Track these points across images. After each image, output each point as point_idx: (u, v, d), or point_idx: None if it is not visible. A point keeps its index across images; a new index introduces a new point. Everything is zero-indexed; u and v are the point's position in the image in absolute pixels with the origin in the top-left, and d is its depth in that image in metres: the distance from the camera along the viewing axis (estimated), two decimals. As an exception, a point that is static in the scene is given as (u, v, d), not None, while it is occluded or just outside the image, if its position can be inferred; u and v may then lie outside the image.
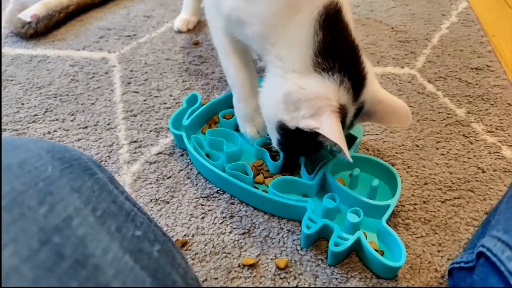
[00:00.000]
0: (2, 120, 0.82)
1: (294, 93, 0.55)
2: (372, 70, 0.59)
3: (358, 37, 0.57)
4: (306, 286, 0.55)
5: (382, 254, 0.57)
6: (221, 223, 0.63)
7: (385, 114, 0.60)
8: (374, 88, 0.59)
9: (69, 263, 0.27)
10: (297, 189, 0.66)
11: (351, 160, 0.54)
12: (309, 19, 0.54)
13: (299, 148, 0.62)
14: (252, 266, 0.58)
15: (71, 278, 0.27)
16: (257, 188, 0.64)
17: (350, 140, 0.71)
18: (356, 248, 0.58)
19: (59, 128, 0.80)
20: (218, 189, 0.68)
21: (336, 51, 0.55)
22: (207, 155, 0.71)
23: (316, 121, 0.54)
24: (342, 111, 0.55)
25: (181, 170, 0.72)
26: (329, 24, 0.54)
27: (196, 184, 0.69)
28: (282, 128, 0.58)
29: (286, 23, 0.56)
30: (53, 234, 0.28)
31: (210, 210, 0.65)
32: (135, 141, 0.77)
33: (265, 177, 0.69)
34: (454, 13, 1.15)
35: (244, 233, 0.62)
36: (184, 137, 0.71)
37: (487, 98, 0.86)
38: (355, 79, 0.55)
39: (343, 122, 0.56)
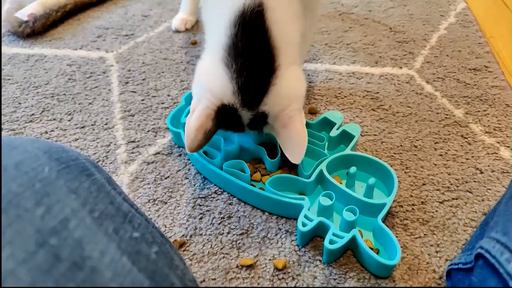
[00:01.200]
0: (-1, 120, 0.81)
1: (198, 75, 0.59)
2: (289, 88, 0.57)
3: (283, 47, 0.55)
4: (304, 286, 0.55)
5: (378, 253, 0.58)
6: (219, 224, 0.63)
7: (285, 142, 0.59)
8: (283, 108, 0.56)
9: (66, 265, 0.27)
10: (294, 187, 0.66)
11: (187, 149, 0.56)
12: (228, 12, 0.54)
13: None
14: (250, 266, 0.58)
15: (68, 280, 0.26)
16: (254, 186, 0.64)
17: (348, 138, 0.71)
18: (352, 247, 0.59)
19: (56, 128, 0.80)
20: (216, 189, 0.68)
21: (242, 51, 0.54)
22: (204, 152, 0.71)
23: (195, 107, 0.56)
24: (228, 112, 0.56)
25: (179, 170, 0.72)
26: (245, 23, 0.53)
27: (194, 184, 0.69)
28: None
29: (213, 10, 0.59)
30: (50, 236, 0.28)
31: (208, 211, 0.65)
32: (132, 141, 0.77)
33: (262, 175, 0.69)
34: (452, 14, 1.16)
35: (242, 234, 0.62)
36: (182, 134, 0.71)
37: (485, 99, 0.86)
38: (252, 87, 0.55)
39: (238, 121, 0.58)
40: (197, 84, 0.58)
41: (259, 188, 0.64)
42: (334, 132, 0.71)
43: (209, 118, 0.56)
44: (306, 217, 0.59)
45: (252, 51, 0.54)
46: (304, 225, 0.57)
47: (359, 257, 0.58)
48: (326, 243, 0.55)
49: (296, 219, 0.63)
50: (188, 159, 0.73)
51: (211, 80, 0.56)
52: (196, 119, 0.56)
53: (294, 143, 0.58)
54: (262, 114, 0.57)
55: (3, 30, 1.07)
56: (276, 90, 0.55)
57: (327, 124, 0.74)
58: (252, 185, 0.65)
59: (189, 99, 0.78)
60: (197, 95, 0.58)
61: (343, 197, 0.63)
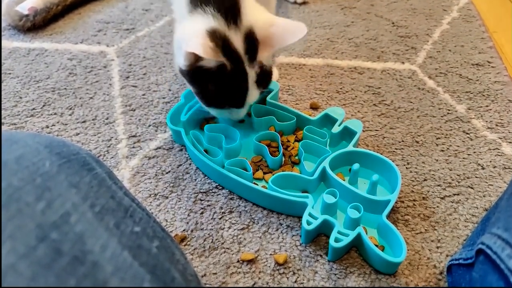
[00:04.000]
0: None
1: (180, 39, 0.60)
2: (255, 5, 0.62)
3: None
4: (305, 281, 0.55)
5: (383, 250, 0.57)
6: (220, 219, 0.63)
7: (281, 33, 0.61)
8: (262, 15, 0.62)
9: (67, 259, 0.27)
10: (296, 184, 0.66)
11: (219, 58, 0.57)
12: None
13: (217, 97, 0.64)
14: (251, 261, 0.58)
15: (69, 275, 0.26)
16: (257, 184, 0.64)
17: (350, 134, 0.71)
18: (357, 244, 0.58)
19: (57, 122, 0.80)
20: (217, 184, 0.68)
21: None
22: (205, 151, 0.71)
23: (188, 45, 0.56)
24: (217, 35, 0.58)
25: (180, 165, 0.71)
26: None
27: (195, 179, 0.69)
28: (184, 73, 0.63)
29: None
30: (50, 231, 0.28)
31: (209, 205, 0.65)
32: (133, 136, 0.77)
33: (264, 173, 0.69)
34: (455, 8, 1.15)
35: (243, 229, 0.62)
36: (183, 133, 0.71)
37: (487, 95, 0.86)
38: (225, 7, 0.59)
39: (229, 46, 0.58)
40: (181, 39, 0.60)
41: (262, 186, 0.64)
42: (336, 129, 0.71)
43: (206, 38, 0.57)
44: (310, 215, 0.58)
45: None
46: (308, 223, 0.57)
47: (364, 254, 0.57)
48: (331, 241, 0.55)
49: (298, 216, 0.63)
50: (189, 155, 0.73)
51: (190, 24, 0.60)
52: (198, 42, 0.56)
53: (290, 22, 0.61)
54: (250, 32, 0.60)
55: (3, 24, 1.06)
56: (247, 5, 0.60)
57: (329, 120, 0.74)
58: (254, 183, 0.65)
59: (188, 96, 0.78)
60: (184, 42, 0.58)
61: (346, 194, 0.63)
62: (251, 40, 0.60)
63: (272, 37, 0.61)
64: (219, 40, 0.57)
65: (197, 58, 0.58)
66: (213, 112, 0.69)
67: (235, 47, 0.59)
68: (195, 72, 0.61)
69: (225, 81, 0.61)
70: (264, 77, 0.64)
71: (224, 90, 0.62)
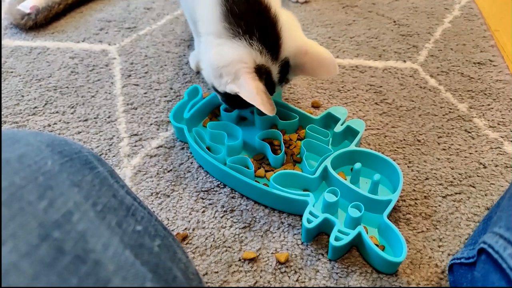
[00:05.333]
0: (2, 113, 0.81)
1: (215, 61, 0.58)
2: (290, 25, 0.60)
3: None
4: (307, 280, 0.55)
5: (383, 249, 0.57)
6: (221, 217, 0.63)
7: (313, 66, 0.61)
8: (297, 41, 0.60)
9: (69, 258, 0.27)
10: (298, 183, 0.66)
11: (271, 113, 0.57)
12: None
13: (242, 104, 0.63)
14: (252, 260, 0.58)
15: (71, 273, 0.26)
16: (258, 182, 0.64)
17: (352, 134, 0.71)
18: (357, 243, 0.58)
19: (59, 121, 0.80)
20: (218, 183, 0.68)
21: (240, 15, 0.56)
22: (208, 148, 0.71)
23: (236, 85, 0.57)
24: (263, 70, 0.58)
25: (182, 163, 0.72)
26: None
27: (197, 178, 0.69)
28: (215, 89, 0.64)
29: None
30: (53, 229, 0.28)
31: (210, 204, 0.65)
32: (135, 134, 0.77)
33: (266, 171, 0.69)
34: (457, 7, 1.15)
35: (244, 227, 0.62)
36: (185, 130, 0.71)
37: (489, 93, 0.85)
38: (268, 38, 0.57)
39: (269, 80, 0.59)
40: (221, 67, 0.58)
41: (263, 184, 0.64)
42: (338, 128, 0.71)
43: (256, 80, 0.57)
44: (311, 213, 0.58)
45: (247, 11, 0.57)
46: (309, 221, 0.57)
47: (365, 254, 0.57)
48: (331, 240, 0.55)
49: (300, 215, 0.63)
50: (191, 153, 0.73)
51: (234, 53, 0.57)
52: (250, 88, 0.55)
53: (323, 59, 0.60)
54: (285, 62, 0.60)
55: (5, 23, 1.06)
56: (285, 32, 0.59)
57: (331, 119, 0.74)
58: (256, 181, 0.65)
59: (191, 93, 0.78)
60: (229, 75, 0.57)
61: (348, 193, 0.63)
62: (285, 68, 0.61)
63: (303, 66, 0.62)
64: (264, 76, 0.58)
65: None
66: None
67: (273, 79, 0.60)
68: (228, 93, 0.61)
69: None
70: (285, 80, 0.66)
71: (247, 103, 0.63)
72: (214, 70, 0.59)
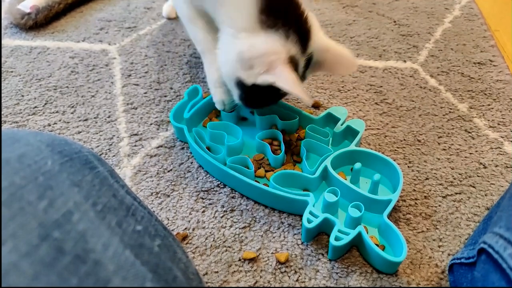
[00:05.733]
0: (2, 112, 0.81)
1: (246, 52, 0.58)
2: (316, 23, 0.62)
3: None
4: (307, 280, 0.55)
5: (383, 249, 0.57)
6: (221, 217, 0.63)
7: (333, 63, 0.63)
8: (320, 39, 0.62)
9: (69, 258, 0.27)
10: (298, 183, 0.66)
11: (309, 102, 0.57)
12: None
13: (259, 101, 0.65)
14: (252, 260, 0.58)
15: (71, 273, 0.26)
16: (258, 182, 0.64)
17: (352, 134, 0.71)
18: (357, 243, 0.58)
19: (59, 121, 0.80)
20: (218, 182, 0.68)
21: (279, 8, 0.57)
22: (208, 148, 0.71)
23: (272, 75, 0.56)
24: (294, 62, 0.58)
25: (182, 163, 0.72)
26: None
27: (197, 178, 0.69)
28: (241, 85, 0.61)
29: None
30: (53, 229, 0.28)
31: (210, 204, 0.65)
32: (135, 134, 0.77)
33: (266, 171, 0.69)
34: (457, 7, 1.15)
35: (244, 227, 0.62)
36: (185, 130, 0.71)
37: (489, 93, 0.85)
38: (300, 32, 0.58)
39: (296, 70, 0.59)
40: (254, 58, 0.57)
41: (263, 184, 0.64)
42: (338, 128, 0.71)
43: (292, 70, 0.57)
44: (311, 213, 0.58)
45: (285, 4, 0.58)
46: (309, 221, 0.57)
47: (365, 254, 0.57)
48: (331, 239, 0.55)
49: (300, 215, 0.63)
50: (191, 153, 0.73)
51: (269, 45, 0.57)
52: (288, 77, 0.56)
53: (343, 56, 0.62)
54: (310, 57, 0.61)
55: (5, 22, 1.06)
56: (314, 30, 0.61)
57: (332, 119, 0.74)
58: (256, 181, 0.65)
59: (191, 93, 0.78)
60: (262, 65, 0.57)
61: (348, 193, 0.63)
62: (308, 63, 0.62)
63: (323, 63, 0.63)
64: (294, 67, 0.58)
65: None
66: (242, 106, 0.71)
67: (298, 72, 0.60)
68: (255, 85, 0.59)
69: (276, 93, 0.61)
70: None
71: (270, 99, 0.65)
72: (244, 62, 0.58)
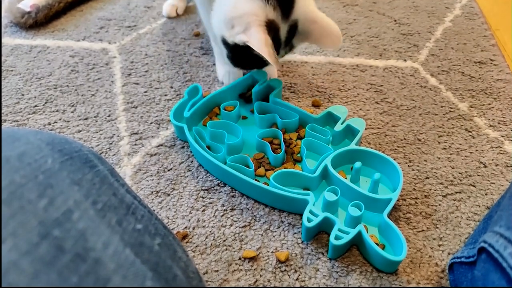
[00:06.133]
0: (2, 111, 0.81)
1: (229, 12, 0.62)
2: None
3: None
4: (307, 279, 0.55)
5: (383, 248, 0.57)
6: (221, 216, 0.63)
7: (319, 35, 0.65)
8: (308, 9, 0.64)
9: (69, 257, 0.27)
10: (298, 182, 0.66)
11: (277, 67, 0.60)
12: None
13: (245, 61, 0.68)
14: (252, 259, 0.58)
15: (71, 272, 0.26)
16: (258, 181, 0.64)
17: (352, 133, 0.71)
18: (357, 242, 0.58)
19: (60, 120, 0.80)
20: (218, 181, 0.68)
21: None
22: (208, 147, 0.71)
23: (245, 35, 0.60)
24: (272, 26, 0.61)
25: (182, 162, 0.72)
26: None
27: (197, 177, 0.69)
28: (225, 43, 0.65)
29: None
30: (53, 228, 0.28)
31: (211, 203, 0.65)
32: (135, 133, 0.77)
33: (266, 170, 0.69)
34: (458, 6, 1.14)
35: (244, 226, 0.62)
36: (185, 129, 0.71)
37: (490, 92, 0.85)
38: (284, 1, 0.61)
39: (276, 37, 0.63)
40: (234, 18, 0.61)
41: (263, 183, 0.64)
42: (338, 127, 0.71)
43: (266, 33, 0.60)
44: (311, 212, 0.58)
45: None
46: (309, 220, 0.57)
47: (365, 253, 0.57)
48: (332, 238, 0.55)
49: (300, 214, 0.63)
50: (191, 152, 0.73)
51: (249, 7, 0.61)
52: (259, 38, 0.58)
53: (329, 29, 0.64)
54: (294, 24, 0.64)
55: (5, 21, 1.06)
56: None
57: (332, 118, 0.74)
58: (256, 180, 0.65)
59: (192, 93, 0.78)
60: (241, 25, 0.61)
61: (348, 192, 0.63)
62: (292, 31, 0.64)
63: (310, 34, 0.65)
64: (272, 32, 0.61)
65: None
66: (227, 71, 0.77)
67: (280, 37, 0.63)
68: (237, 45, 0.63)
69: (254, 55, 0.62)
70: (290, 47, 0.69)
71: (256, 60, 0.66)
72: (227, 21, 0.62)
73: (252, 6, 0.60)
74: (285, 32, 0.63)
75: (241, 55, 0.66)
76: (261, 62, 0.67)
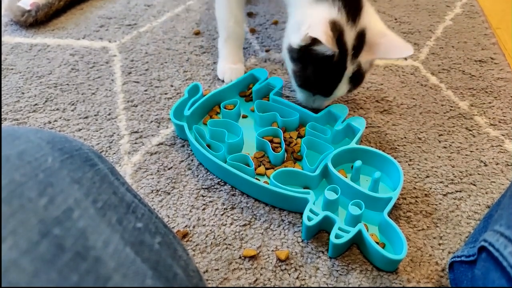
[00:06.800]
0: (2, 110, 0.81)
1: (301, 22, 0.64)
2: (371, 10, 0.67)
3: None
4: (307, 278, 0.55)
5: (383, 247, 0.57)
6: (222, 215, 0.63)
7: (388, 48, 0.65)
8: (377, 21, 0.67)
9: (70, 255, 0.27)
10: (298, 181, 0.66)
11: (334, 49, 0.60)
12: None
13: (310, 77, 0.68)
14: (253, 257, 0.58)
15: (72, 270, 0.26)
16: (259, 180, 0.64)
17: (353, 132, 0.71)
18: (357, 241, 0.58)
19: (60, 118, 0.80)
20: (219, 180, 0.68)
21: None
22: (208, 146, 0.71)
23: (310, 30, 0.61)
24: (336, 27, 0.62)
25: (182, 161, 0.71)
26: None
27: (197, 175, 0.69)
28: (291, 51, 0.68)
29: None
30: (53, 226, 0.28)
31: (211, 202, 0.65)
32: (136, 132, 0.77)
33: (266, 169, 0.69)
34: (459, 4, 1.14)
35: (245, 225, 0.62)
36: (186, 127, 0.71)
37: (490, 91, 0.85)
38: (349, 4, 0.64)
39: (341, 41, 0.62)
40: (301, 21, 0.64)
41: (264, 182, 0.64)
42: (338, 126, 0.71)
43: (328, 27, 0.61)
44: (311, 211, 0.58)
45: None
46: (309, 219, 0.57)
47: (365, 252, 0.57)
48: (332, 237, 0.55)
49: (300, 212, 0.63)
50: (191, 150, 0.73)
51: (314, 10, 0.64)
52: (320, 27, 0.60)
53: (399, 40, 0.64)
54: (362, 32, 0.65)
55: (5, 20, 1.06)
56: (367, 7, 0.66)
57: (332, 117, 0.74)
58: (256, 179, 0.65)
59: (192, 91, 0.78)
60: (305, 24, 0.63)
61: (348, 191, 0.63)
62: (360, 40, 0.65)
63: (378, 47, 0.65)
64: (336, 31, 0.62)
65: (313, 42, 0.62)
66: (299, 94, 0.75)
67: (345, 41, 0.63)
68: (304, 52, 0.65)
69: (325, 67, 0.65)
70: (357, 77, 0.68)
71: (321, 76, 0.67)
72: (295, 26, 0.66)
73: (317, 8, 0.64)
74: (352, 38, 0.64)
75: (306, 71, 0.67)
76: (328, 86, 0.68)
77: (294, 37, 0.66)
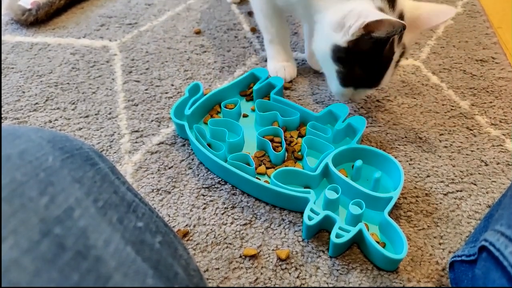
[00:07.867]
0: (3, 109, 0.81)
1: (334, 18, 0.63)
2: None
3: None
4: (307, 277, 0.55)
5: (384, 246, 0.57)
6: (222, 214, 0.63)
7: (428, 16, 0.65)
8: (409, 2, 0.66)
9: (70, 254, 0.27)
10: (299, 180, 0.66)
11: (402, 22, 0.58)
12: None
13: (357, 74, 0.67)
14: (253, 257, 0.58)
15: (72, 269, 0.26)
16: (259, 179, 0.64)
17: (353, 131, 0.71)
18: (358, 240, 0.58)
19: (60, 117, 0.80)
20: (219, 179, 0.68)
21: None
22: (209, 145, 0.71)
23: (362, 18, 0.59)
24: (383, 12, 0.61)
25: (183, 160, 0.71)
26: None
27: (198, 175, 0.69)
28: (336, 51, 0.65)
29: None
30: (54, 225, 0.28)
31: (211, 201, 0.65)
32: (136, 131, 0.77)
33: (267, 168, 0.69)
34: (460, 4, 1.14)
35: (245, 224, 0.62)
36: (186, 126, 0.71)
37: (491, 91, 0.85)
38: None
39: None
40: (343, 17, 0.62)
41: (264, 181, 0.64)
42: (339, 125, 0.71)
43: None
44: (312, 210, 0.58)
45: None
46: (310, 218, 0.57)
47: (365, 251, 0.57)
48: (332, 237, 0.55)
49: (301, 212, 0.63)
50: (192, 150, 0.73)
51: (356, 4, 0.62)
52: (375, 12, 0.59)
53: (437, 6, 0.65)
54: (401, 16, 0.64)
55: (6, 19, 1.06)
56: None
57: (332, 116, 0.74)
58: (257, 178, 0.65)
59: (192, 90, 0.78)
60: (353, 17, 0.61)
61: (349, 190, 0.62)
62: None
63: (418, 19, 0.65)
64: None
65: (368, 32, 0.60)
66: (339, 93, 0.73)
67: None
68: (353, 48, 0.63)
69: (375, 57, 0.64)
70: (400, 59, 0.69)
71: (370, 67, 0.66)
72: (336, 25, 0.63)
73: (354, 2, 0.62)
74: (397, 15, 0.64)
75: (353, 63, 0.66)
76: (376, 76, 0.67)
77: (338, 36, 0.64)
